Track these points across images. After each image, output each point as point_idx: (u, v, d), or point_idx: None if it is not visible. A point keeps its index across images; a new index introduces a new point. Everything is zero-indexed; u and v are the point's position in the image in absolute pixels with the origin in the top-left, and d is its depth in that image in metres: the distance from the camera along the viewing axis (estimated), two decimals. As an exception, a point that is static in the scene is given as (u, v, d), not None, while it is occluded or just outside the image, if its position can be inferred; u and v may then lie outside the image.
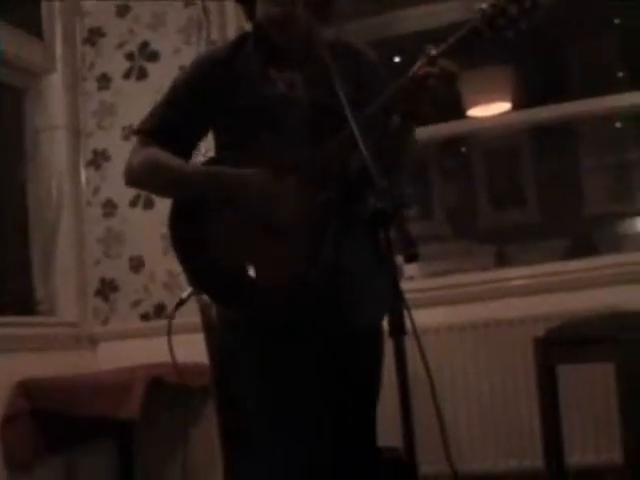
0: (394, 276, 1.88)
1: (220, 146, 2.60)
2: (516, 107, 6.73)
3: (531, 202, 9.44)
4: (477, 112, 6.78)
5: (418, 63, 2.26)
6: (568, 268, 4.45)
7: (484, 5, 2.17)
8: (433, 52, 2.23)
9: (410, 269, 8.20)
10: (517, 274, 4.59)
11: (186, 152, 2.56)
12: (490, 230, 9.35)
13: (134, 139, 4.46)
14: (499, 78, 6.90)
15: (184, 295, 2.74)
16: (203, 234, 2.38)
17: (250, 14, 2.64)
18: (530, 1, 2.16)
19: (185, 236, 2.42)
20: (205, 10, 4.78)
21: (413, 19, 5.48)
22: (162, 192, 2.73)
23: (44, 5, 4.96)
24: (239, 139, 2.49)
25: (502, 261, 8.34)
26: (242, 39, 2.62)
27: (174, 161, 2.48)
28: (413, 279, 8.09)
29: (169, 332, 2.73)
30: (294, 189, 2.32)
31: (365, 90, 2.42)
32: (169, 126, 2.54)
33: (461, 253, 8.61)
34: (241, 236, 2.34)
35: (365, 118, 2.24)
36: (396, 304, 1.88)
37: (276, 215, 2.31)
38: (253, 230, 2.33)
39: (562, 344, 3.33)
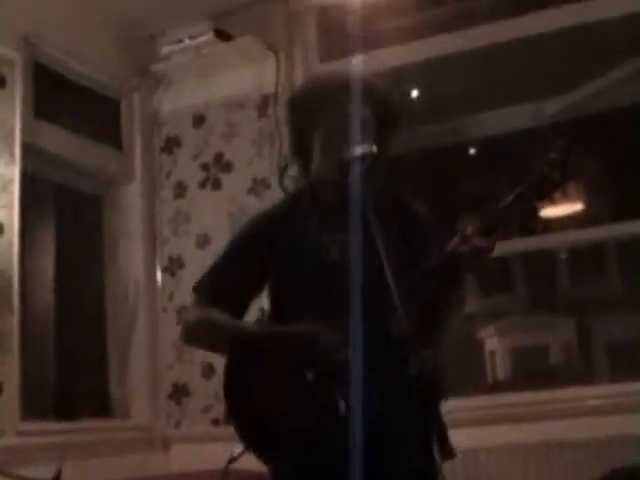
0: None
1: (275, 304, 2.67)
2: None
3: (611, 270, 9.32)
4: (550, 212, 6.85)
5: (453, 241, 2.33)
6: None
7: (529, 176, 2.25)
8: (468, 231, 2.30)
9: (492, 343, 8.26)
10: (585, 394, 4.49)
11: (241, 311, 2.64)
12: (570, 301, 9.26)
13: (208, 247, 4.75)
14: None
15: (236, 453, 2.77)
16: (251, 392, 2.45)
17: (305, 169, 2.72)
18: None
19: (234, 395, 2.50)
20: (277, 123, 4.91)
21: (480, 125, 5.58)
22: (217, 349, 2.72)
23: (124, 115, 5.18)
24: (294, 300, 2.56)
25: (584, 335, 8.26)
26: (297, 196, 2.70)
27: (229, 321, 2.57)
28: (494, 353, 8.17)
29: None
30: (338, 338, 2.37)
31: (415, 251, 2.48)
32: (225, 288, 2.62)
33: (542, 326, 8.54)
34: (284, 393, 2.40)
35: (407, 286, 2.30)
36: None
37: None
38: (290, 385, 2.39)
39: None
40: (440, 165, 6.51)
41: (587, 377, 7.63)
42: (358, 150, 2.40)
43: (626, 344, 7.33)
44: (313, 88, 2.74)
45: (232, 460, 2.73)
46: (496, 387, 7.65)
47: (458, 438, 2.18)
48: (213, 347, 2.76)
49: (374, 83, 2.64)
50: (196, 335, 2.67)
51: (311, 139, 2.62)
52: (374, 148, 2.41)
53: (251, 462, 2.54)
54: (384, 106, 2.61)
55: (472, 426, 4.21)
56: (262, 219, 2.71)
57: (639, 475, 3.52)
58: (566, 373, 8.00)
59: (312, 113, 2.60)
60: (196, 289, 2.71)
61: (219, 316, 2.57)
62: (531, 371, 8.28)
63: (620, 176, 6.56)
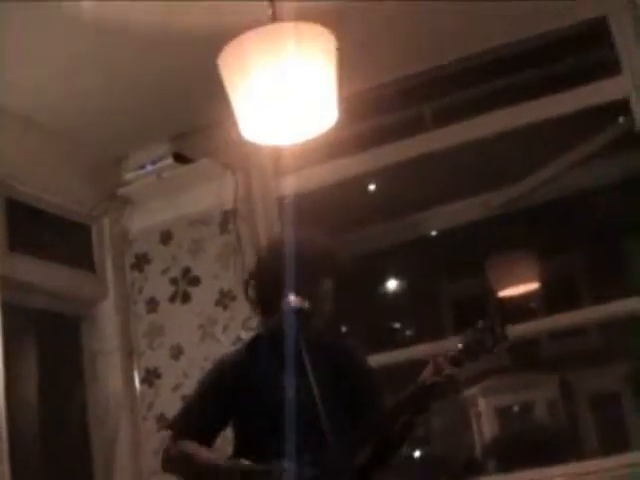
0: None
1: (239, 437, 3.04)
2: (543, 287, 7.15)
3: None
4: (507, 293, 7.20)
5: (425, 372, 2.72)
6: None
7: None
8: (440, 360, 2.69)
9: (479, 404, 8.49)
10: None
11: (210, 441, 3.05)
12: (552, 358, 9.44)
13: (182, 357, 5.04)
14: (520, 261, 7.31)
15: None
16: None
17: (263, 313, 3.10)
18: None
19: None
20: (238, 237, 5.24)
21: (436, 219, 5.93)
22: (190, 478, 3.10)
23: (95, 238, 5.48)
24: (255, 434, 2.93)
25: (567, 391, 8.48)
26: (255, 342, 3.08)
27: (200, 452, 2.96)
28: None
29: None
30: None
31: (358, 387, 2.88)
32: (196, 426, 3.06)
33: (525, 384, 8.73)
34: None
35: (371, 425, 2.68)
36: None
37: None
38: None
39: None
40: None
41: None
42: (293, 304, 2.77)
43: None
44: (272, 253, 3.12)
45: None
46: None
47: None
48: (189, 476, 3.09)
49: (329, 251, 3.06)
50: (173, 465, 3.08)
51: (269, 294, 2.99)
52: (306, 304, 2.78)
53: None
54: (336, 272, 3.02)
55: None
56: (222, 367, 3.17)
57: None
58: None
59: (271, 274, 3.01)
60: (171, 426, 3.12)
61: (191, 447, 2.99)
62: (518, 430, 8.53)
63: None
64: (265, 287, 3.13)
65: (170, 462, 3.07)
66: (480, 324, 2.83)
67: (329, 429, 2.69)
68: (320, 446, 2.74)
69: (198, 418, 3.06)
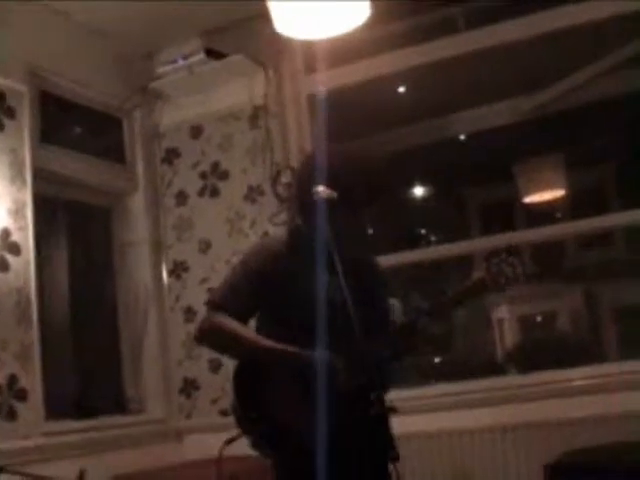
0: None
1: (265, 320, 3.16)
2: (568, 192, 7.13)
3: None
4: (535, 199, 7.21)
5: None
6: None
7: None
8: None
9: (502, 311, 8.57)
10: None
11: (246, 319, 3.14)
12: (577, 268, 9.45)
13: (209, 252, 5.13)
14: (550, 166, 7.28)
15: (235, 435, 3.15)
16: (258, 390, 2.97)
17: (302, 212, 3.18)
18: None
19: (243, 389, 3.02)
20: (268, 133, 5.27)
21: (465, 123, 5.93)
22: (231, 354, 3.24)
23: (126, 131, 5.55)
24: (285, 324, 3.03)
25: (591, 302, 8.53)
26: (295, 234, 3.20)
27: (244, 330, 3.07)
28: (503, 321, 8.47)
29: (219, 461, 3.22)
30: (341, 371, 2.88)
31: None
32: (234, 306, 3.11)
33: (549, 294, 8.79)
34: (288, 396, 2.92)
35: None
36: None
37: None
38: (298, 393, 2.91)
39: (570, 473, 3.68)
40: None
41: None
42: (321, 193, 2.84)
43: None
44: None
45: (229, 441, 3.15)
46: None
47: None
48: (226, 350, 3.26)
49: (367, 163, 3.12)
50: (212, 337, 3.16)
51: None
52: (334, 194, 2.84)
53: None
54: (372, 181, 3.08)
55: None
56: (262, 254, 3.19)
57: (594, 456, 3.85)
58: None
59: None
60: (211, 302, 3.17)
61: (233, 324, 3.06)
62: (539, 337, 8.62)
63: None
64: (305, 187, 3.16)
65: (209, 334, 3.12)
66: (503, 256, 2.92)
67: (358, 324, 2.76)
68: (349, 341, 2.82)
69: (237, 298, 3.11)
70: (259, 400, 2.97)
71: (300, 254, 3.08)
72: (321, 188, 2.91)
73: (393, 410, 2.61)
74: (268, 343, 2.99)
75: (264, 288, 3.09)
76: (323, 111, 4.17)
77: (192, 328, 5.25)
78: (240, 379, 3.04)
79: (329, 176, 2.95)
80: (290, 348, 2.93)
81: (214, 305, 3.16)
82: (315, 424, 2.79)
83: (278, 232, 4.60)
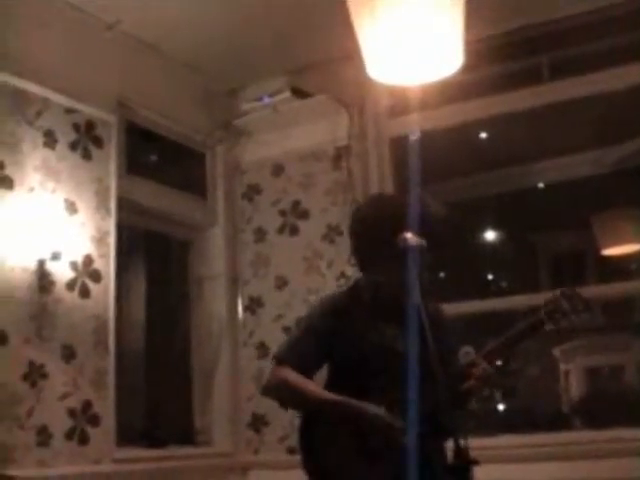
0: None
1: (335, 375, 3.19)
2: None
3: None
4: (611, 252, 7.12)
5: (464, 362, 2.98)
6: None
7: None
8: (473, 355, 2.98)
9: (567, 364, 8.47)
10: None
11: (310, 374, 3.15)
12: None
13: (285, 289, 5.17)
14: (630, 219, 7.20)
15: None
16: (322, 442, 2.99)
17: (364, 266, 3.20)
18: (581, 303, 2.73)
19: (309, 442, 3.04)
20: (350, 174, 5.31)
21: (544, 172, 5.91)
22: (296, 408, 3.28)
23: (208, 166, 5.62)
24: (352, 375, 3.07)
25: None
26: (356, 289, 3.22)
27: (307, 384, 3.08)
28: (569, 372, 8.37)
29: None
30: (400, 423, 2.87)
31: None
32: (299, 361, 3.14)
33: (616, 346, 8.67)
34: (348, 451, 2.94)
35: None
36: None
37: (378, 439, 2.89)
38: (356, 449, 2.92)
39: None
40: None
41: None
42: (413, 241, 2.84)
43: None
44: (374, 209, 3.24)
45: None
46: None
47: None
48: (290, 404, 3.32)
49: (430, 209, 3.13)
50: (278, 392, 3.19)
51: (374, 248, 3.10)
52: (424, 242, 2.85)
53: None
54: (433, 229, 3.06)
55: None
56: (328, 309, 3.22)
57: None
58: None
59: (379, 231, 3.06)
60: (277, 357, 3.21)
61: (299, 379, 3.08)
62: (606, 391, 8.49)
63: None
64: (367, 241, 3.18)
65: (275, 388, 3.16)
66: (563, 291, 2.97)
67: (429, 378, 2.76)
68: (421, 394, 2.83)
69: (303, 353, 3.14)
70: (324, 455, 2.99)
71: (367, 307, 3.11)
72: (409, 235, 2.90)
73: (475, 462, 2.59)
74: (331, 396, 3.02)
75: (324, 343, 3.14)
76: (416, 154, 4.16)
77: (264, 364, 5.32)
78: (305, 432, 3.06)
79: (413, 223, 2.96)
80: (353, 401, 2.95)
81: (279, 360, 3.19)
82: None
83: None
